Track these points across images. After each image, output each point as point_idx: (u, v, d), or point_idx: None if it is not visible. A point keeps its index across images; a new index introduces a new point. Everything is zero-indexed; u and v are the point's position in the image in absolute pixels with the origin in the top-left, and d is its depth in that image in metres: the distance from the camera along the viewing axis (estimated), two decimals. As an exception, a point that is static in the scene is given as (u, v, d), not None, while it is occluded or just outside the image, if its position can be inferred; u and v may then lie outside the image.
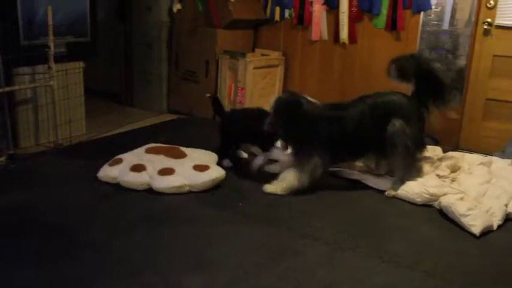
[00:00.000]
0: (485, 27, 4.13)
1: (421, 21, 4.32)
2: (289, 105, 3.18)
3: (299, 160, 3.21)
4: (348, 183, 3.46)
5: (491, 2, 4.08)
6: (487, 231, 2.80)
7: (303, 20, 4.87)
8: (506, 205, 3.06)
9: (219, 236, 2.60)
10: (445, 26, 4.24)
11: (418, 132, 3.26)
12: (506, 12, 4.05)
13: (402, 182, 3.24)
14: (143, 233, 2.59)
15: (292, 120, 3.15)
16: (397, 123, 3.17)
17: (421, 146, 3.37)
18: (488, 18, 4.11)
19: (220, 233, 2.63)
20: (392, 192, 3.24)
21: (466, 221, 2.81)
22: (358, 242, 2.60)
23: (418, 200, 3.15)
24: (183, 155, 3.41)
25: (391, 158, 3.28)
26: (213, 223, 2.74)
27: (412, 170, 3.31)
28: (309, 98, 3.25)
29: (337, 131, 3.20)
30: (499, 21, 4.09)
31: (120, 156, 3.36)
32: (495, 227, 2.87)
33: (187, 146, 3.60)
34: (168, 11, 5.12)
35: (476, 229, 2.76)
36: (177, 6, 5.05)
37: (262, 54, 4.96)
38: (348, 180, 3.50)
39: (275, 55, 4.98)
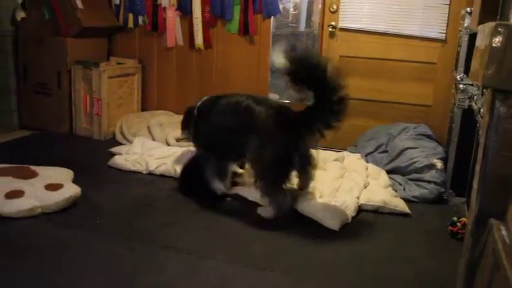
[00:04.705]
0: (330, 29, 4.36)
1: (271, 25, 4.46)
2: None
3: None
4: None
5: (334, 6, 4.32)
6: (343, 225, 2.95)
7: (157, 26, 4.80)
8: (358, 197, 3.25)
9: (74, 258, 2.44)
10: (302, 28, 4.42)
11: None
12: (347, 16, 4.31)
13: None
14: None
15: None
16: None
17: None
18: (332, 21, 4.35)
19: (77, 255, 2.48)
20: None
21: (322, 218, 2.93)
22: (220, 249, 2.60)
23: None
24: (33, 175, 3.19)
25: None
26: (68, 245, 2.57)
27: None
28: None
29: None
30: (341, 24, 4.34)
31: (-40, 182, 3.06)
32: (350, 220, 3.04)
33: (41, 164, 3.38)
34: (11, 20, 4.76)
35: (335, 225, 2.88)
36: (20, 14, 4.70)
37: (118, 63, 4.80)
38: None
39: (131, 63, 4.85)
